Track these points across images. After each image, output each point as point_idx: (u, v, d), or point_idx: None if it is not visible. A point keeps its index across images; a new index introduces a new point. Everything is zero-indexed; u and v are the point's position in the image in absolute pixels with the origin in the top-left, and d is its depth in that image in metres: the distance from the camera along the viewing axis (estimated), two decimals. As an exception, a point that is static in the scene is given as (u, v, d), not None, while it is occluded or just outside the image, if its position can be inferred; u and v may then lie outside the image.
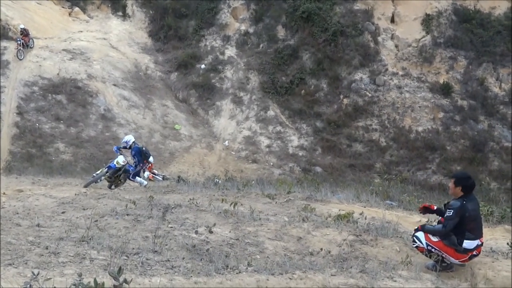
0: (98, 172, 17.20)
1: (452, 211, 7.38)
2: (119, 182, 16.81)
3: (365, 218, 10.21)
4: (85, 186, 16.20)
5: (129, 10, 38.33)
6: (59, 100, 29.60)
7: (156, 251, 7.10)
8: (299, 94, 32.74)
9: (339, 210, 10.95)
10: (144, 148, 17.99)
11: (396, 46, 34.02)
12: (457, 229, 7.45)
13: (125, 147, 17.43)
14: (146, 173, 18.24)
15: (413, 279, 6.62)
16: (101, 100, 30.29)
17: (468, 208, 7.37)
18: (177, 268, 6.37)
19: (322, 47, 33.58)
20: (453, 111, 31.11)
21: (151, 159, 18.21)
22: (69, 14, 37.47)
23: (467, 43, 33.19)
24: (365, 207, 12.31)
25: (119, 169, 16.58)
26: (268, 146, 30.34)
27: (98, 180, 16.71)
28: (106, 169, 16.70)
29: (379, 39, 34.07)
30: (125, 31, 36.96)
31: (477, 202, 7.71)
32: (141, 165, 17.50)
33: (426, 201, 8.15)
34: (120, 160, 16.55)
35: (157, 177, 19.29)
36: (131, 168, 16.93)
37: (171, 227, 8.79)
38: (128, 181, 17.15)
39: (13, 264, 5.90)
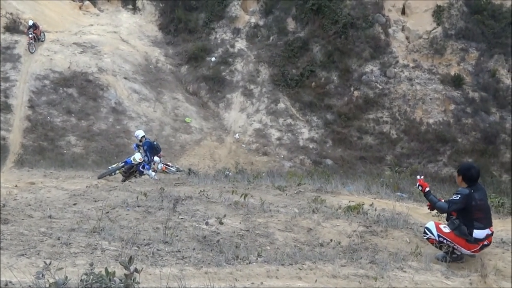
0: (113, 165, 17.56)
1: (460, 196, 7.49)
2: (133, 177, 17.16)
3: (375, 210, 10.21)
4: (99, 178, 16.59)
5: (139, 3, 38.34)
6: (70, 93, 29.70)
7: (166, 242, 7.16)
8: (309, 87, 32.63)
9: (349, 201, 10.93)
10: (155, 143, 18.22)
11: (407, 38, 33.83)
12: (465, 219, 7.51)
13: (139, 145, 17.65)
14: (160, 165, 18.39)
15: (423, 270, 6.62)
16: (112, 93, 30.36)
17: (475, 197, 7.45)
18: (187, 259, 6.42)
19: (333, 39, 33.43)
20: (465, 103, 30.92)
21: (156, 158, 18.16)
22: (80, 8, 37.58)
23: (479, 35, 32.93)
24: (375, 198, 12.30)
25: (135, 165, 17.02)
26: (279, 139, 30.29)
27: (113, 173, 17.09)
28: (123, 163, 17.13)
29: (390, 31, 33.89)
30: (135, 24, 37.01)
31: (484, 192, 7.78)
32: (152, 159, 17.71)
33: (437, 194, 8.15)
34: (137, 157, 17.01)
35: (170, 168, 19.33)
36: (147, 166, 17.19)
37: (182, 218, 8.85)
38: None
39: (26, 254, 5.99)
